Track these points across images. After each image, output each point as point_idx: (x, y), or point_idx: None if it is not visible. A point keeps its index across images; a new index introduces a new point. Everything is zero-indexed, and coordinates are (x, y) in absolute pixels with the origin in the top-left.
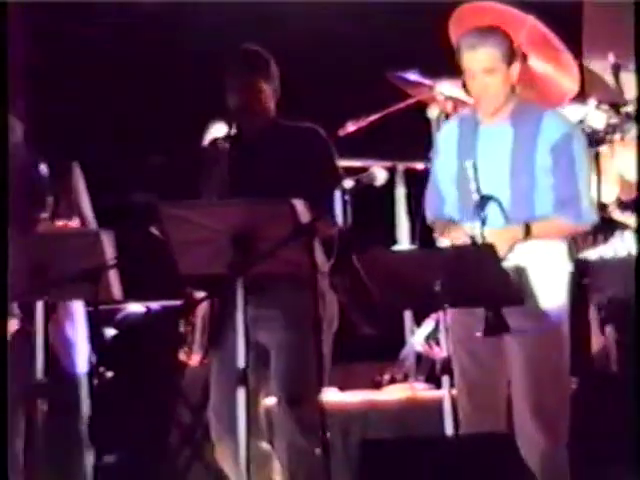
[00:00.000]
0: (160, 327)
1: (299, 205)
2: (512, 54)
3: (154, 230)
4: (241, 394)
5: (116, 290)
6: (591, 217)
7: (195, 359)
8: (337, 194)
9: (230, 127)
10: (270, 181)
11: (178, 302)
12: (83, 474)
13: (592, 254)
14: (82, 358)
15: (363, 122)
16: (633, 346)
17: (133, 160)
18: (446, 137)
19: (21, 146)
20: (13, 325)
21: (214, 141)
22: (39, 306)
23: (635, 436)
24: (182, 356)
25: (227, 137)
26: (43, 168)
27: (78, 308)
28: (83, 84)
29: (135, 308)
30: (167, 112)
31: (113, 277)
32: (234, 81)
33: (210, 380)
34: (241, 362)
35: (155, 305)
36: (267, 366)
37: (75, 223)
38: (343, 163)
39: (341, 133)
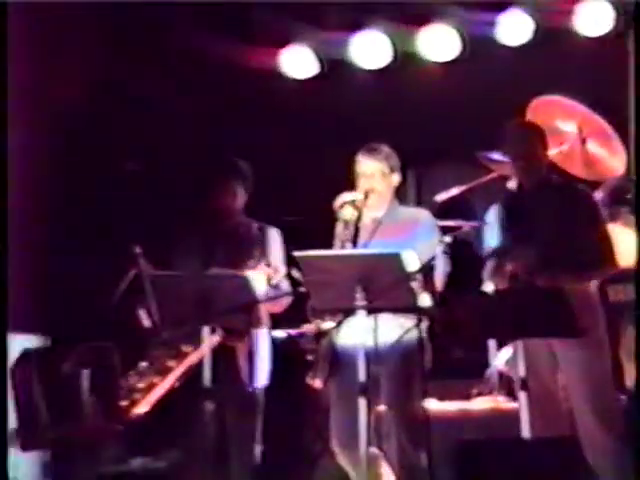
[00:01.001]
0: (298, 349)
1: (407, 256)
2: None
3: (294, 273)
4: (362, 403)
5: (265, 319)
6: None
7: (318, 383)
8: (439, 247)
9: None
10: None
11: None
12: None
13: None
14: (262, 374)
15: (457, 191)
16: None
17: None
18: None
19: (241, 211)
20: (215, 340)
21: (342, 204)
22: (205, 330)
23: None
24: (308, 379)
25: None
26: (254, 228)
27: (265, 332)
28: None
29: (278, 334)
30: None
31: (263, 309)
32: (514, 149)
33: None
34: (362, 376)
35: (294, 331)
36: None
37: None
38: (441, 223)
39: (439, 199)
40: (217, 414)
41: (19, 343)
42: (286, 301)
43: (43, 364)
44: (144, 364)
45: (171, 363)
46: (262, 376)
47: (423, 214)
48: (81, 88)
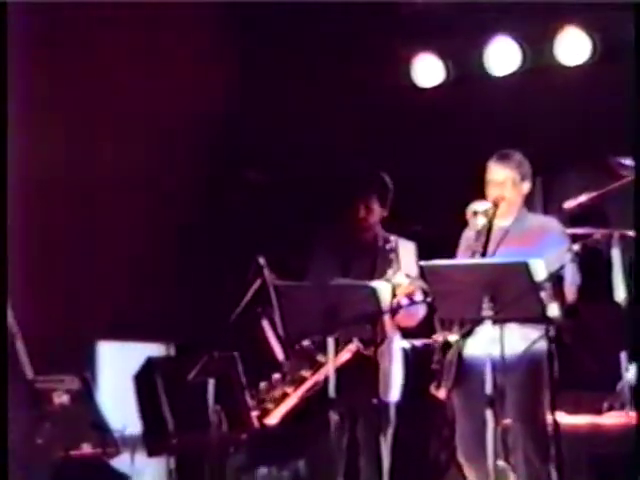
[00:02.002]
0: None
1: (535, 265)
2: None
3: (419, 283)
4: (489, 415)
5: (390, 330)
6: None
7: (442, 394)
8: (568, 255)
9: None
10: None
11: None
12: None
13: None
14: (395, 388)
15: (586, 198)
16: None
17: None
18: None
19: (378, 224)
20: (352, 349)
21: (474, 213)
22: (330, 342)
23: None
24: (432, 389)
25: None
26: (391, 241)
27: (397, 345)
28: None
29: (404, 344)
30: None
31: (388, 320)
32: None
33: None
34: (488, 388)
35: (418, 342)
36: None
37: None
38: (570, 231)
39: (566, 207)
40: (346, 426)
41: (140, 351)
42: (421, 314)
43: (169, 373)
44: (277, 375)
45: (305, 373)
46: (396, 390)
47: (552, 222)
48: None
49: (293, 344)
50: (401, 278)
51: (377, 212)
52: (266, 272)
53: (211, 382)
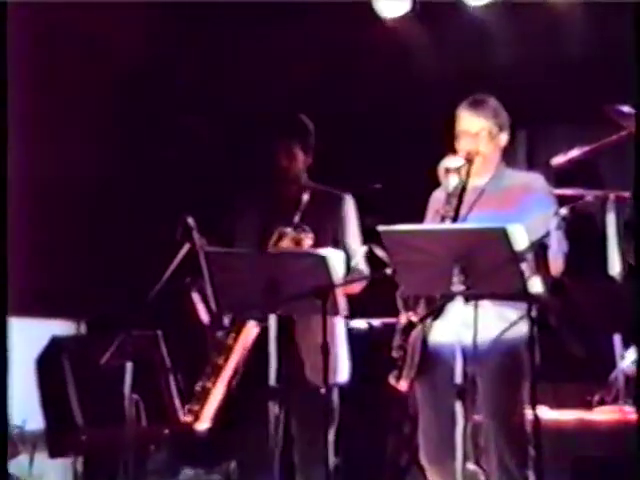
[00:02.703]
0: (381, 344)
1: (514, 231)
2: None
3: (378, 252)
4: (459, 410)
5: (342, 306)
6: None
7: (403, 385)
8: (554, 221)
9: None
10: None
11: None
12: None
13: None
14: (343, 369)
15: (578, 152)
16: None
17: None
18: None
19: (304, 175)
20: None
21: (446, 171)
22: (272, 320)
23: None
24: (391, 379)
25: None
26: (305, 195)
27: (339, 322)
28: None
29: (358, 324)
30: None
31: (340, 295)
32: None
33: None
34: (459, 378)
35: (376, 322)
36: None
37: (309, 236)
38: (557, 191)
39: (554, 163)
40: (282, 419)
41: (46, 329)
42: (362, 284)
43: (77, 355)
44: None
45: (219, 360)
46: (339, 375)
47: (536, 181)
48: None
49: (227, 322)
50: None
51: (300, 161)
52: (196, 235)
53: (129, 366)
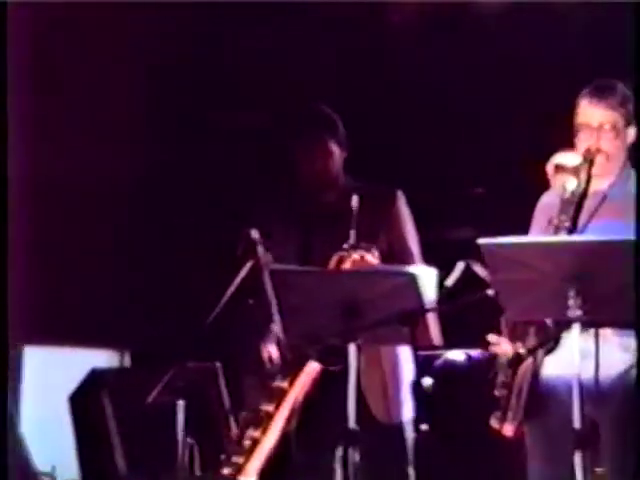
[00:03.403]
0: (481, 378)
1: None
2: None
3: (477, 269)
4: (578, 460)
5: (435, 335)
6: None
7: (508, 429)
8: None
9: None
10: None
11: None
12: None
13: None
14: (407, 405)
15: None
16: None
17: (452, 192)
18: None
19: (342, 175)
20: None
21: (558, 170)
22: (352, 350)
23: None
24: (493, 422)
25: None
26: (354, 200)
27: (404, 351)
28: None
29: (455, 355)
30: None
31: (432, 320)
32: None
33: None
34: (577, 422)
35: (476, 353)
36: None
37: (375, 255)
38: None
39: None
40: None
41: (84, 360)
42: None
43: (120, 391)
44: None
45: (269, 407)
46: (406, 410)
47: None
48: None
49: (296, 351)
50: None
51: (337, 160)
52: (260, 250)
53: (180, 405)
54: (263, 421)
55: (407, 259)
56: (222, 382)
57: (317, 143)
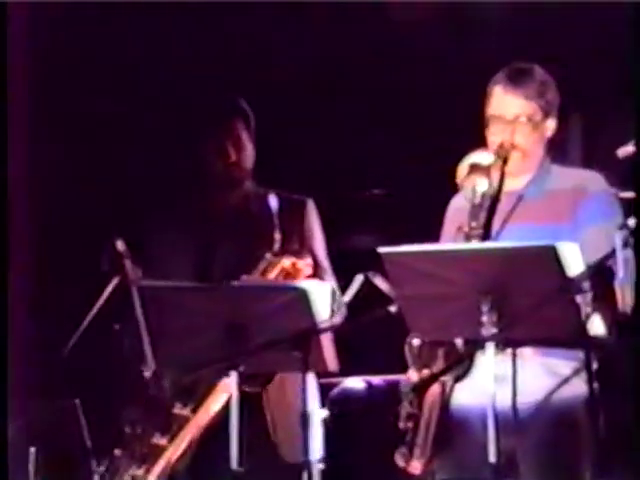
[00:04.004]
0: (383, 409)
1: (567, 251)
2: None
3: (378, 282)
4: None
5: (330, 359)
6: None
7: (415, 467)
8: (620, 236)
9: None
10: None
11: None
12: None
13: None
14: (316, 441)
15: None
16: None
17: (348, 194)
18: None
19: (250, 176)
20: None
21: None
22: (232, 378)
23: None
24: (399, 459)
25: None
26: (273, 200)
27: (310, 380)
28: None
29: (353, 383)
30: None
31: (327, 343)
32: None
33: None
34: (492, 456)
35: (378, 380)
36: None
37: (308, 262)
38: (624, 194)
39: (621, 154)
40: None
41: None
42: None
43: None
44: (118, 451)
45: (159, 440)
46: (315, 449)
47: (593, 181)
48: None
49: (171, 382)
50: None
51: (250, 153)
52: (128, 265)
53: (32, 453)
54: (149, 456)
55: (322, 275)
56: (83, 421)
57: (231, 134)
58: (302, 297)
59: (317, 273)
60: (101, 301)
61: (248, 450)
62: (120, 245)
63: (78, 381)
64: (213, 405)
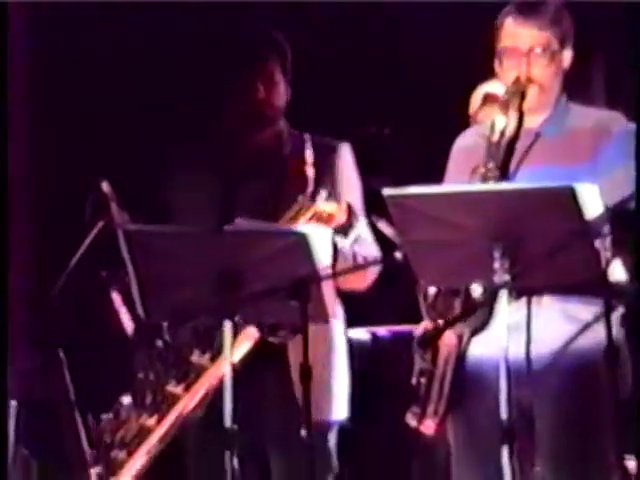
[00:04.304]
0: (391, 363)
1: (586, 192)
2: None
3: (383, 227)
4: (505, 455)
5: (332, 309)
6: None
7: (428, 426)
8: None
9: None
10: None
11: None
12: None
13: None
14: (341, 400)
15: None
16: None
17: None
18: None
19: (282, 115)
20: (251, 336)
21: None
22: (227, 329)
23: None
24: (410, 419)
25: None
26: (307, 141)
27: (340, 332)
28: None
29: (358, 334)
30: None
31: (328, 291)
32: None
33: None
34: (504, 412)
35: (383, 331)
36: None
37: (343, 207)
38: None
39: None
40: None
41: None
42: (373, 274)
43: None
44: (126, 398)
45: (174, 388)
46: (337, 408)
47: (615, 121)
48: None
49: (161, 333)
50: (328, 205)
51: (282, 91)
52: (114, 208)
53: (12, 406)
54: (164, 405)
55: (354, 222)
56: (67, 373)
57: (263, 70)
58: (302, 242)
59: (350, 220)
60: (85, 246)
61: (273, 406)
62: (105, 187)
63: (65, 331)
64: (234, 354)
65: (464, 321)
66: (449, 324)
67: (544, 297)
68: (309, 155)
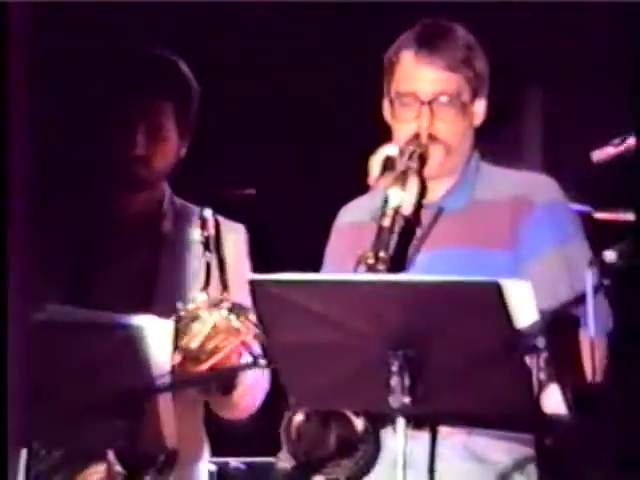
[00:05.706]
0: None
1: (514, 290)
2: None
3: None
4: None
5: (170, 433)
6: None
7: None
8: (589, 273)
9: None
10: None
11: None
12: None
13: None
14: None
15: (634, 142)
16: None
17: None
18: None
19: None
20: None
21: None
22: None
23: None
24: None
25: None
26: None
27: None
28: None
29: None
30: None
31: (166, 408)
32: None
33: None
34: None
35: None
36: None
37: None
38: (598, 215)
39: (595, 158)
40: None
41: None
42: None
43: None
44: None
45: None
46: None
47: (542, 188)
48: None
49: None
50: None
51: (174, 141)
52: None
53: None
54: None
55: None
56: None
57: (152, 108)
58: (136, 339)
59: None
60: None
61: None
62: None
63: None
64: None
65: (337, 465)
66: (314, 467)
67: (453, 432)
68: (210, 227)
